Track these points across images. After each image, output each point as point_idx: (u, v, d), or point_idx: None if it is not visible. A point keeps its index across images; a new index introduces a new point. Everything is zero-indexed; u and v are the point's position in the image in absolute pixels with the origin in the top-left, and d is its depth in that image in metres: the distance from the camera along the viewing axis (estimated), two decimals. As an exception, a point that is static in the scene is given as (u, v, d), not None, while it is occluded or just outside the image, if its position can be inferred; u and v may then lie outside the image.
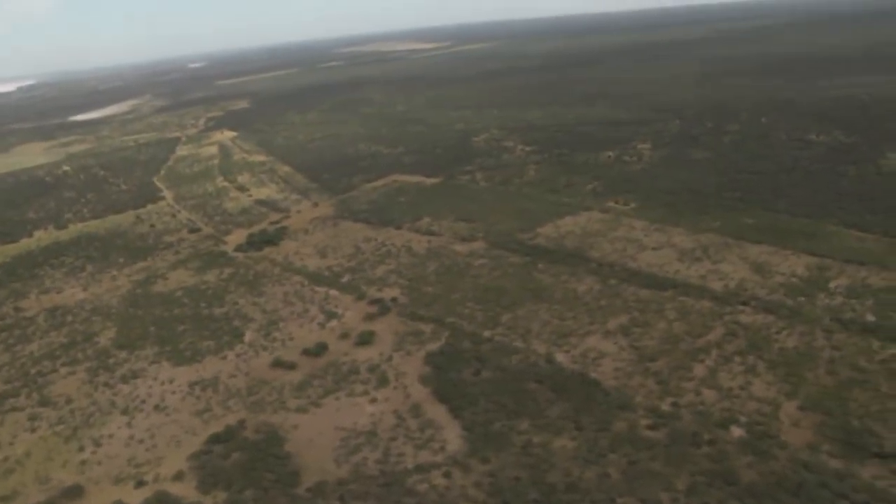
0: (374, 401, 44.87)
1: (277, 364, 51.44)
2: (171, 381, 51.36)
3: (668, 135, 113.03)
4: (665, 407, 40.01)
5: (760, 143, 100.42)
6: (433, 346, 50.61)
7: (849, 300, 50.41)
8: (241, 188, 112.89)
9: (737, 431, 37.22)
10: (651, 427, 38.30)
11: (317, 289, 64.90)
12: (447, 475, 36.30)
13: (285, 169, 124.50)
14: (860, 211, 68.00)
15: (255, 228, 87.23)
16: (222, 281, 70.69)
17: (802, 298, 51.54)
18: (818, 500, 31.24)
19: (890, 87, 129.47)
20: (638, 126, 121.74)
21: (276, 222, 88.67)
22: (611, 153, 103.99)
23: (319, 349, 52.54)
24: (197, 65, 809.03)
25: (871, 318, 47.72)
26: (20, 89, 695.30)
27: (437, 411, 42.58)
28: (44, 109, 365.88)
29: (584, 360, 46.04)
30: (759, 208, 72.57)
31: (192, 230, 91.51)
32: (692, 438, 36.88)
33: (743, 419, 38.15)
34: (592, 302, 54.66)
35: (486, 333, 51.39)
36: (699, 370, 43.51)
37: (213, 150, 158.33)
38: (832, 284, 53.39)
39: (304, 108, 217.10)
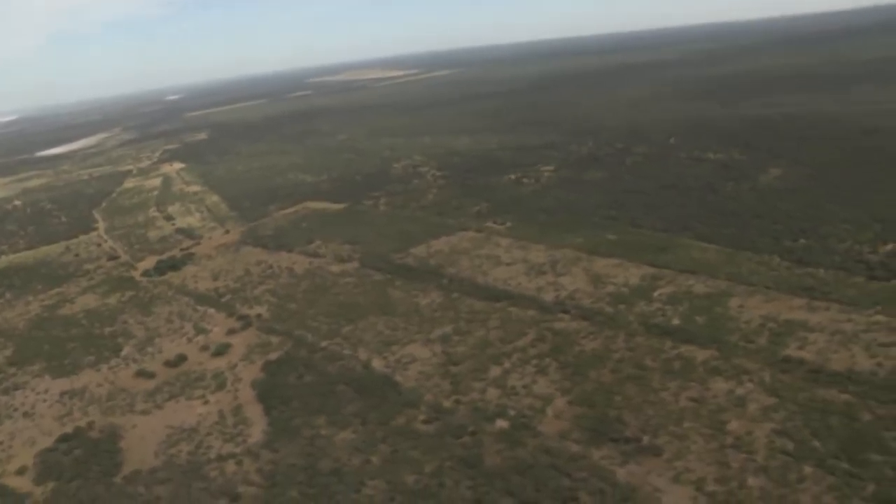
0: (206, 403, 50.99)
1: (140, 374, 57.55)
2: (45, 392, 57.30)
3: (574, 157, 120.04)
4: (447, 404, 45.84)
5: (658, 162, 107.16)
6: (274, 356, 56.78)
7: (665, 306, 55.96)
8: (168, 217, 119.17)
9: (501, 424, 42.66)
10: (426, 421, 44.09)
11: (198, 308, 71.03)
12: (239, 463, 42.44)
13: (214, 199, 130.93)
14: (717, 224, 73.51)
15: (167, 255, 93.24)
16: (121, 303, 76.68)
17: (622, 306, 57.35)
18: (542, 478, 36.66)
19: (806, 105, 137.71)
20: (552, 149, 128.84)
21: (186, 249, 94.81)
22: (513, 176, 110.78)
23: (179, 360, 58.70)
24: (174, 97, 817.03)
25: (676, 321, 53.26)
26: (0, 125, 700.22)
27: (255, 410, 48.74)
28: (16, 145, 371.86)
29: (396, 365, 52.21)
30: (627, 224, 78.63)
31: (112, 258, 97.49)
32: (457, 430, 42.36)
33: (512, 413, 43.55)
34: (428, 314, 60.97)
35: (324, 343, 57.63)
36: (494, 372, 49.26)
37: (157, 182, 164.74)
38: (657, 293, 59.10)
39: (256, 139, 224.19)
